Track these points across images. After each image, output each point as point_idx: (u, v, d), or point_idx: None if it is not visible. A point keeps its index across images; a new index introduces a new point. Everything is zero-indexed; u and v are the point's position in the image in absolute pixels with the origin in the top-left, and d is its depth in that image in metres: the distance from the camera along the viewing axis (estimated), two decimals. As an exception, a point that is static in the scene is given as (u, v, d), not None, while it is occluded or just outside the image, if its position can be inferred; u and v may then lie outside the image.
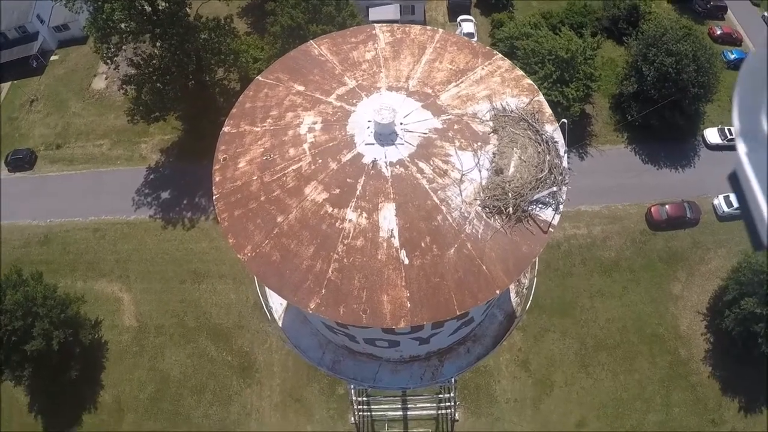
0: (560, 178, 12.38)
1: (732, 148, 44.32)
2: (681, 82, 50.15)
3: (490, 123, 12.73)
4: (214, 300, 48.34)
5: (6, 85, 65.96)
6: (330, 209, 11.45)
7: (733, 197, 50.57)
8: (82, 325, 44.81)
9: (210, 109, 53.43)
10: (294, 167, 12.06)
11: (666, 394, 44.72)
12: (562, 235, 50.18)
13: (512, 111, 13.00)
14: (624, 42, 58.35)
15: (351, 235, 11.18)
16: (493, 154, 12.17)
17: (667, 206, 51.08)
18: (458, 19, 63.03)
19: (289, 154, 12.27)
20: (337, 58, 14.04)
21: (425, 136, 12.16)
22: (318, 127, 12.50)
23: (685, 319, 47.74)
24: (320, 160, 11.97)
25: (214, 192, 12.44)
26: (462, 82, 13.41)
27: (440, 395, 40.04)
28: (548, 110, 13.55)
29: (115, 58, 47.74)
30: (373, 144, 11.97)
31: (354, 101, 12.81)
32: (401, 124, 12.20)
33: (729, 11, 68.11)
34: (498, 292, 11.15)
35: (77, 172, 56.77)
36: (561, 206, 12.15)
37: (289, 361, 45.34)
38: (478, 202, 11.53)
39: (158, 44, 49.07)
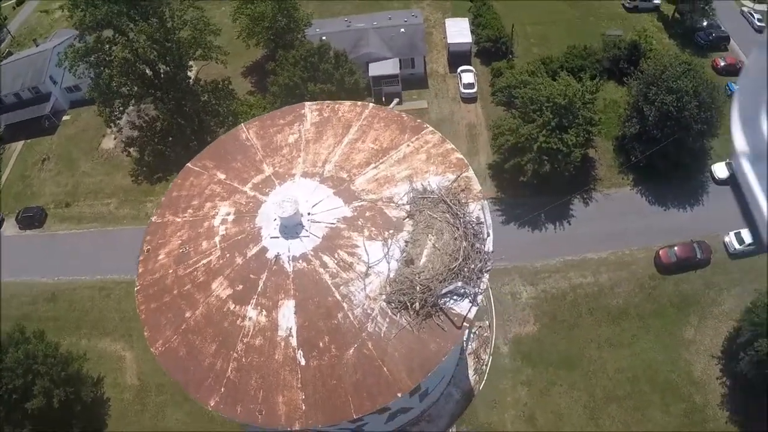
0: (479, 265, 11.64)
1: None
2: (683, 119, 48.88)
3: (407, 207, 12.20)
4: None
5: (19, 144, 67.84)
6: (232, 306, 11.27)
7: (745, 233, 48.84)
8: (84, 383, 44.73)
9: (213, 169, 54.04)
10: (205, 261, 11.96)
11: (682, 444, 42.69)
12: (568, 285, 48.84)
13: (432, 192, 12.43)
14: (625, 82, 57.60)
15: (250, 333, 10.98)
16: (405, 242, 11.64)
17: (676, 248, 49.42)
18: (458, 69, 62.72)
19: (202, 247, 12.17)
20: (262, 142, 13.93)
21: (332, 226, 11.87)
22: (230, 218, 12.37)
23: (699, 364, 45.72)
24: (228, 255, 11.83)
25: (137, 284, 12.40)
26: (382, 162, 13.10)
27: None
28: (477, 186, 12.93)
29: (119, 121, 48.78)
30: (278, 237, 11.72)
31: (267, 190, 12.62)
32: (309, 214, 11.93)
33: (732, 41, 66.37)
34: (399, 395, 10.64)
35: (85, 231, 57.59)
36: (479, 297, 11.41)
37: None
38: (384, 297, 11.08)
39: (159, 107, 50.13)
